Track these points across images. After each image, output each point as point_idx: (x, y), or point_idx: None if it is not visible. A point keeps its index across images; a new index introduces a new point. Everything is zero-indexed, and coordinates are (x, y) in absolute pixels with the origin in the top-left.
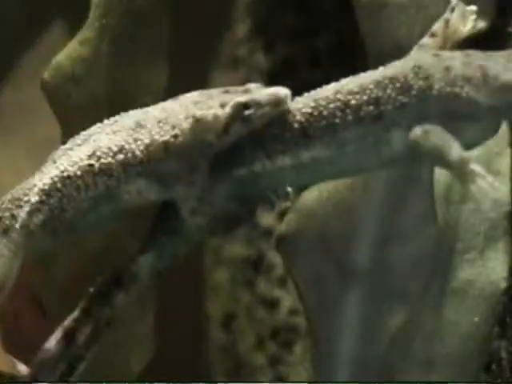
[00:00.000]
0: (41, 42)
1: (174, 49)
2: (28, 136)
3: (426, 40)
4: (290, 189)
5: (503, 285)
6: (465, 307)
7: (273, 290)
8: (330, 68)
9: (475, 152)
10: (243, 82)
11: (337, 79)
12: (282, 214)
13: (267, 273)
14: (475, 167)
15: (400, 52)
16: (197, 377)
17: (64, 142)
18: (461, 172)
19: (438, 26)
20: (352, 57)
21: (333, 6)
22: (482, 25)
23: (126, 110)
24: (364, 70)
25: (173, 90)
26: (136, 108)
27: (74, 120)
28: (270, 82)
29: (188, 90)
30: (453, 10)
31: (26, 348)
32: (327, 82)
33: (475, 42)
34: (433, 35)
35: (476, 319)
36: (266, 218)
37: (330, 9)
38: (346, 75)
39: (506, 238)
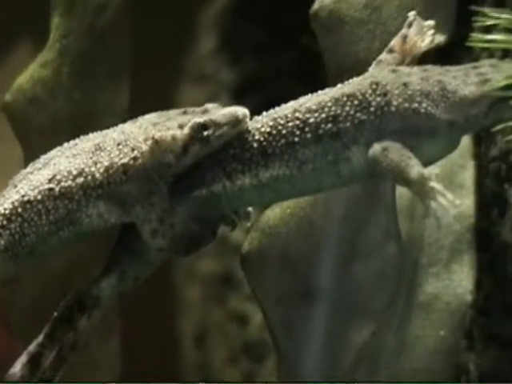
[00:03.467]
0: (2, 64)
1: (139, 66)
2: None
3: (384, 56)
4: (250, 208)
5: (469, 298)
6: (431, 321)
7: (244, 306)
8: (296, 83)
9: (436, 169)
10: (210, 98)
11: (303, 93)
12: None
13: (237, 289)
14: (435, 185)
15: (359, 66)
16: None
17: (26, 165)
18: (421, 189)
19: (395, 42)
20: (318, 71)
21: (298, 21)
22: (440, 39)
23: (88, 131)
24: (324, 86)
25: (138, 109)
26: (99, 129)
27: (35, 143)
28: (237, 97)
29: (154, 109)
30: (410, 25)
31: None
32: (293, 97)
33: (434, 56)
34: (391, 51)
35: (442, 333)
36: (234, 235)
37: (294, 24)
38: (311, 90)
39: (471, 251)
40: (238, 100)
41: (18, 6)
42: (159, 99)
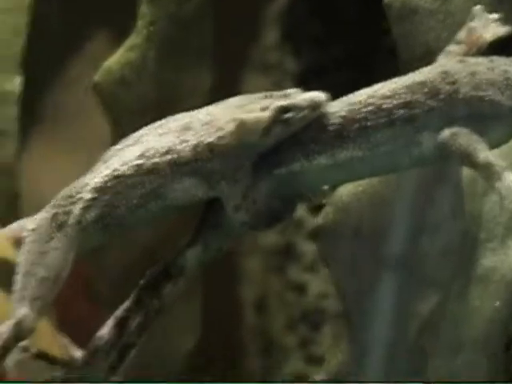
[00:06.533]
0: (90, 48)
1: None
2: (72, 137)
3: (452, 47)
4: (326, 187)
5: None
6: (488, 293)
7: (303, 276)
8: (354, 73)
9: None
10: (274, 86)
11: (360, 83)
12: (313, 208)
13: (297, 260)
14: (501, 167)
15: (429, 55)
16: (234, 357)
17: (113, 143)
18: (487, 172)
19: (462, 34)
20: (374, 62)
21: (357, 14)
22: (503, 31)
23: (172, 111)
24: (380, 76)
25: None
26: (183, 110)
27: (123, 121)
28: (300, 85)
29: (225, 93)
30: (476, 17)
31: (78, 337)
32: (351, 86)
33: (498, 47)
34: (458, 42)
35: (497, 303)
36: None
37: (353, 17)
38: (368, 79)
39: None
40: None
41: None
42: (228, 84)
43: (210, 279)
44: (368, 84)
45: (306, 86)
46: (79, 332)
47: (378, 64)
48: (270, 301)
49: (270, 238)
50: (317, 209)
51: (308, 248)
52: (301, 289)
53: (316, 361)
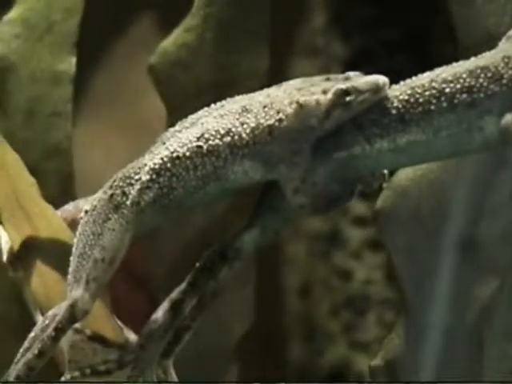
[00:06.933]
0: (143, 29)
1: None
2: (124, 118)
3: None
4: (386, 171)
5: None
6: None
7: (348, 263)
8: (403, 57)
9: None
10: (321, 71)
11: (411, 68)
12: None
13: (342, 246)
14: None
15: (489, 40)
16: (279, 341)
17: (169, 125)
18: None
19: None
20: (427, 46)
21: None
22: None
23: (229, 93)
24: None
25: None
26: (240, 92)
27: (179, 103)
28: (348, 70)
29: (274, 77)
30: None
31: (131, 320)
32: (401, 71)
33: None
34: None
35: None
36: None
37: (402, 1)
38: (420, 65)
39: None
40: None
41: None
42: (276, 67)
43: (259, 265)
44: (421, 70)
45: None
46: (131, 317)
47: (432, 48)
48: (315, 287)
49: (315, 223)
50: (364, 194)
51: (353, 234)
52: (346, 275)
53: (360, 347)
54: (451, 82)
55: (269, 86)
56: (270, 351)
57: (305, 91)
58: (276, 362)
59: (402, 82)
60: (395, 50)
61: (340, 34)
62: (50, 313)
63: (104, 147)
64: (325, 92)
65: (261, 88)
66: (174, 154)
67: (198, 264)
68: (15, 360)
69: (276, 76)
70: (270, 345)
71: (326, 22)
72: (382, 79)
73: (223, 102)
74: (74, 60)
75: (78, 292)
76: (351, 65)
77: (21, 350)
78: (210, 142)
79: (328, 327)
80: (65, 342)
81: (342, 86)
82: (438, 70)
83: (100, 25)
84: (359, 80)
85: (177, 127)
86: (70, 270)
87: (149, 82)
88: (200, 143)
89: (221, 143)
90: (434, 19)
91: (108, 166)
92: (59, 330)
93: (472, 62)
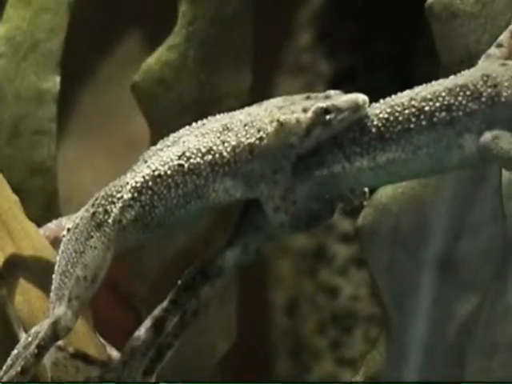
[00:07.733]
0: (127, 48)
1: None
2: (108, 137)
3: (493, 50)
4: (366, 189)
5: None
6: None
7: (334, 279)
8: (387, 75)
9: None
10: (307, 88)
11: (393, 85)
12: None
13: (328, 263)
14: None
15: (469, 58)
16: (265, 357)
17: (152, 143)
18: None
19: (503, 37)
20: (409, 65)
21: (390, 16)
22: None
23: (211, 111)
24: (426, 75)
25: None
26: (222, 110)
27: (162, 121)
28: (333, 87)
29: (258, 95)
30: None
31: (113, 337)
32: (385, 88)
33: None
34: (499, 45)
35: None
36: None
37: (387, 19)
38: (402, 82)
39: None
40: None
41: None
42: (261, 86)
43: (243, 282)
44: (402, 87)
45: (339, 89)
46: (114, 333)
47: (413, 66)
48: (301, 303)
49: (301, 240)
50: (349, 211)
51: (339, 250)
52: (332, 291)
53: (347, 363)
54: (430, 100)
55: (251, 104)
56: (255, 368)
57: (285, 109)
58: (261, 379)
59: (381, 101)
60: (379, 67)
61: (326, 52)
62: (32, 330)
63: (88, 166)
64: (305, 110)
65: (243, 106)
66: (156, 173)
67: (179, 282)
68: None
69: (260, 94)
70: (255, 362)
71: (312, 39)
72: (361, 97)
73: (204, 120)
74: (58, 79)
75: (60, 310)
76: (336, 82)
77: (4, 368)
78: (192, 161)
79: (315, 344)
80: (48, 360)
81: (322, 104)
82: (417, 89)
83: (84, 43)
84: (339, 98)
85: (158, 145)
86: (53, 287)
87: (134, 101)
88: (181, 161)
89: (202, 161)
90: (417, 38)
91: (92, 185)
92: (42, 348)
93: (451, 81)
